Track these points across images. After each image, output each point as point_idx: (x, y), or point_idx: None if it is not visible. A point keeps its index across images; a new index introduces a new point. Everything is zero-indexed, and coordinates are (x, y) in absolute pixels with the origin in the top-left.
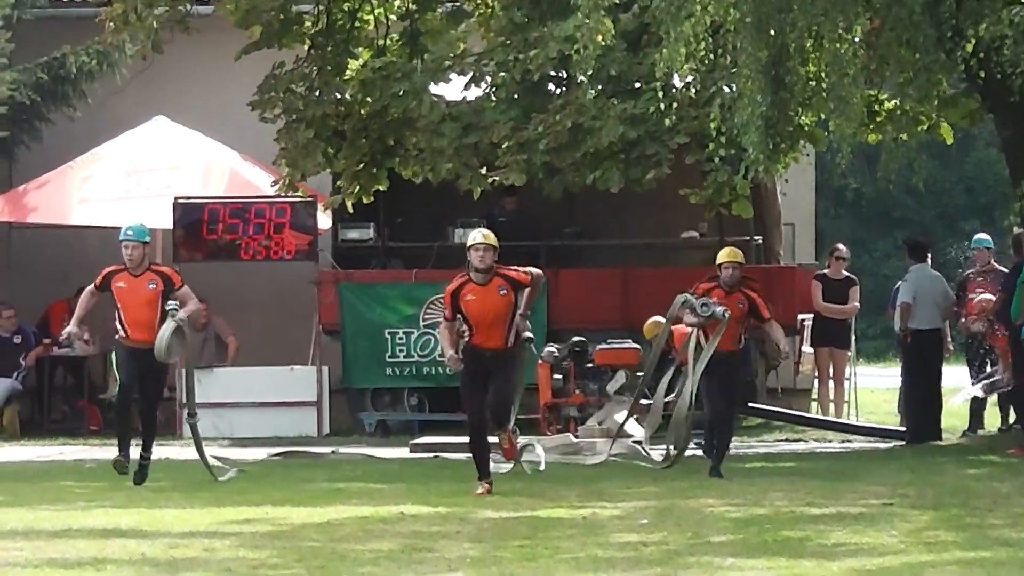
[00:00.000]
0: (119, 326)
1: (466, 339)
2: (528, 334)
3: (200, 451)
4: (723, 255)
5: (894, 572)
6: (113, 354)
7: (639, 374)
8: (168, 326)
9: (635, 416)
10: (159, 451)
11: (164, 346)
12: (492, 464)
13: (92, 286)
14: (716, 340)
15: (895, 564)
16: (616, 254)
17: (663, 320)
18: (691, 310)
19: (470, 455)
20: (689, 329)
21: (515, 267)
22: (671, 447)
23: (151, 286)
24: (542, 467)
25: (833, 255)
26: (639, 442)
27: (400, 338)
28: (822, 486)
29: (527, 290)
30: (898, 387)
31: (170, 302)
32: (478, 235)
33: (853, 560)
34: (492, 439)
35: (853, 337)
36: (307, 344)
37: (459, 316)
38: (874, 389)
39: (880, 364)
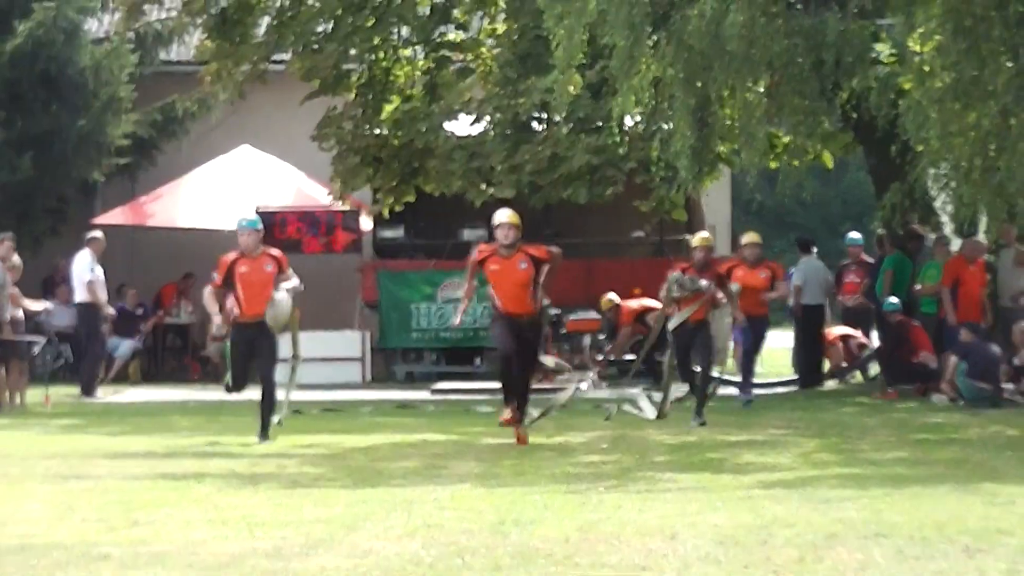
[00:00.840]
0: (236, 306)
1: (496, 305)
2: (546, 302)
3: (288, 388)
4: (696, 240)
5: (789, 483)
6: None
7: (600, 336)
8: (284, 297)
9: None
10: (245, 392)
11: (284, 312)
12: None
13: (214, 285)
14: (694, 308)
15: (790, 478)
16: (582, 249)
17: (615, 296)
18: (680, 285)
19: (500, 384)
20: (635, 305)
21: (538, 245)
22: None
23: (268, 267)
24: (650, 416)
25: (748, 243)
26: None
27: (422, 310)
28: (736, 421)
29: (546, 266)
30: (791, 348)
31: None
32: (503, 215)
33: (759, 475)
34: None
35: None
36: (353, 315)
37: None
38: (774, 348)
39: (778, 330)
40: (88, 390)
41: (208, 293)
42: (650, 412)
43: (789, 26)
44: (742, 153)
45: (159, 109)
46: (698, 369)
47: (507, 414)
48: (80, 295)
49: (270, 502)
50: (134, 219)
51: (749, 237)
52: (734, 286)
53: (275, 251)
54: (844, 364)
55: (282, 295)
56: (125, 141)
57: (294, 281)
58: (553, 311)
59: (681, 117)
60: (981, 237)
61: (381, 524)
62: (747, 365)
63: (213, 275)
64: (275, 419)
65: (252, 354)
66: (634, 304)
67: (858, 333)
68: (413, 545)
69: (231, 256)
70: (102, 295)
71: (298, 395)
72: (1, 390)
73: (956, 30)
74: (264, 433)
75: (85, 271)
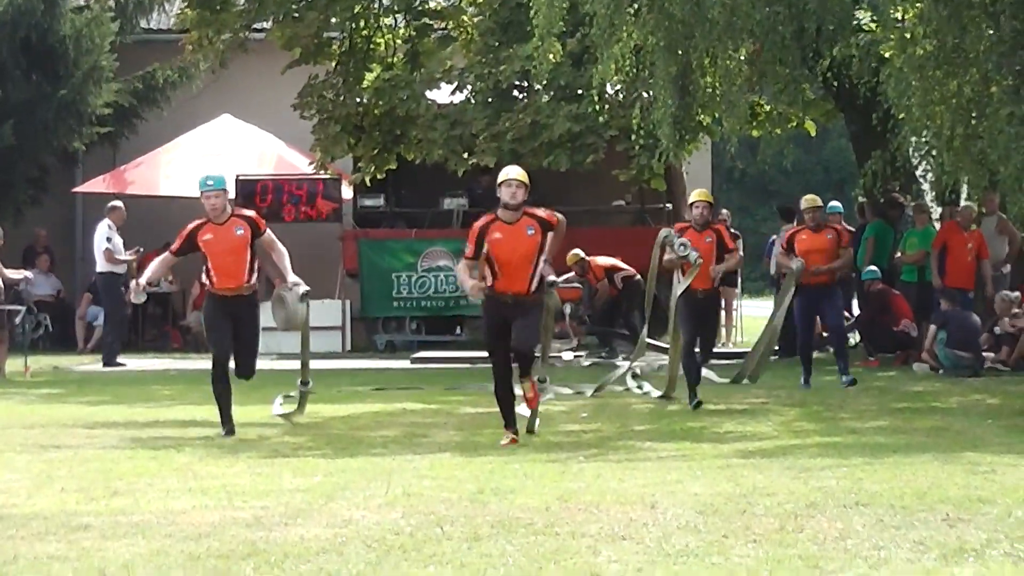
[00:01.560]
0: (206, 278)
1: (487, 285)
2: (552, 278)
3: (301, 407)
4: (694, 195)
5: (769, 452)
6: (202, 316)
7: (581, 307)
8: (295, 299)
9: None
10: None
11: (298, 316)
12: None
13: (169, 253)
14: (690, 278)
15: (770, 447)
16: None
17: (579, 251)
18: (670, 247)
19: (496, 403)
20: (603, 261)
21: (544, 208)
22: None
23: (239, 232)
24: (654, 394)
25: (720, 218)
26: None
27: (403, 279)
28: (715, 389)
29: (552, 233)
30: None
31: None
32: (511, 171)
33: (739, 444)
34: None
35: (739, 278)
36: (334, 284)
37: (483, 256)
38: (756, 317)
39: (759, 298)
40: (109, 360)
41: (160, 260)
42: (653, 390)
43: None
44: (723, 121)
45: (140, 78)
46: (701, 347)
47: (505, 439)
48: (99, 265)
49: (250, 472)
50: (115, 188)
51: (696, 194)
52: (796, 262)
53: (248, 212)
54: (821, 332)
55: (293, 297)
56: (106, 110)
57: (286, 259)
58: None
59: (662, 85)
60: (969, 204)
61: (361, 493)
62: (840, 344)
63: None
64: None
65: (234, 333)
66: (602, 260)
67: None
68: (393, 515)
69: (194, 224)
70: (120, 264)
71: (280, 364)
72: None
73: None
74: (229, 426)
75: (102, 240)
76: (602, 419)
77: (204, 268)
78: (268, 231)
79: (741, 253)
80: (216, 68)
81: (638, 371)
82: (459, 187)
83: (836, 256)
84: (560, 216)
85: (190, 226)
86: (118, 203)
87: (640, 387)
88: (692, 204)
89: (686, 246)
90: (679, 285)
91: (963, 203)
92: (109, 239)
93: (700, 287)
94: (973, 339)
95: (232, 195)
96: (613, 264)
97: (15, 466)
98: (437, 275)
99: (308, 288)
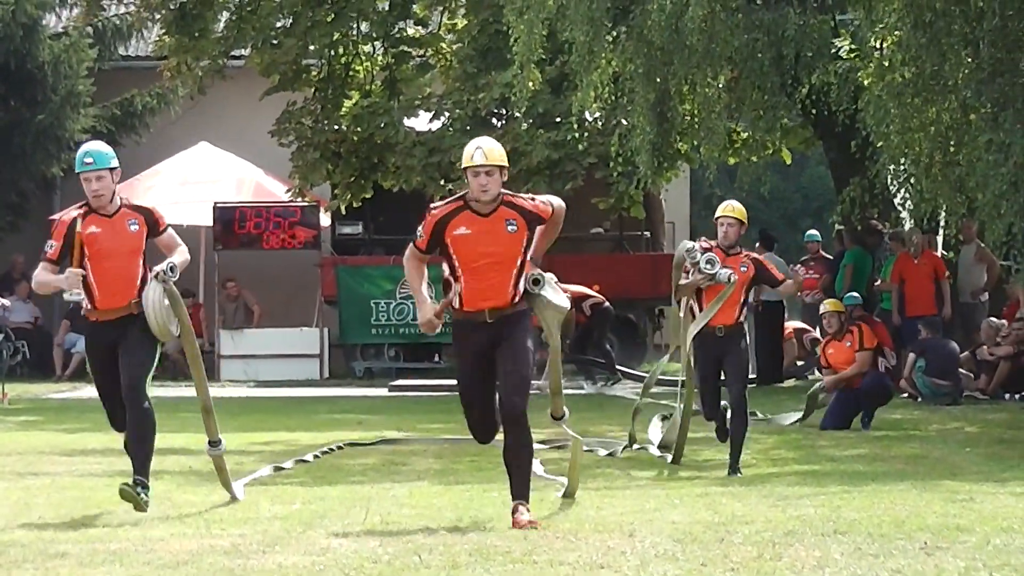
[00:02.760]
0: (86, 293)
1: (454, 302)
2: (536, 272)
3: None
4: (721, 208)
5: (747, 480)
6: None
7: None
8: (154, 289)
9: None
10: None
11: (160, 316)
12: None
13: (47, 259)
14: (716, 307)
15: (748, 475)
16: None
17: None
18: (694, 264)
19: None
20: (574, 288)
21: (531, 195)
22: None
23: (132, 226)
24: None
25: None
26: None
27: (382, 307)
28: (695, 419)
29: (543, 227)
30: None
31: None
32: (479, 148)
33: (717, 472)
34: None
35: None
36: (312, 311)
37: (447, 258)
38: None
39: None
40: None
41: (40, 276)
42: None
43: (749, 20)
44: (701, 148)
45: (118, 104)
46: (730, 401)
47: (519, 517)
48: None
49: (228, 499)
50: None
51: (723, 208)
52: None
53: (145, 205)
54: (798, 360)
55: (153, 293)
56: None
57: (180, 255)
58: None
59: (641, 112)
60: (913, 228)
61: (339, 521)
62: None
63: (47, 246)
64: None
65: (115, 367)
66: (571, 288)
67: (812, 328)
68: (371, 543)
69: (70, 214)
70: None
71: (257, 392)
72: None
73: (916, 24)
74: (142, 481)
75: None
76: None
77: (85, 282)
78: (170, 229)
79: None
80: (194, 94)
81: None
82: None
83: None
84: (556, 202)
85: (66, 216)
86: None
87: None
88: (717, 220)
89: (713, 262)
90: (698, 319)
91: (907, 227)
92: None
93: (721, 323)
94: (952, 367)
95: (211, 222)
96: (582, 292)
97: None
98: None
99: (183, 258)
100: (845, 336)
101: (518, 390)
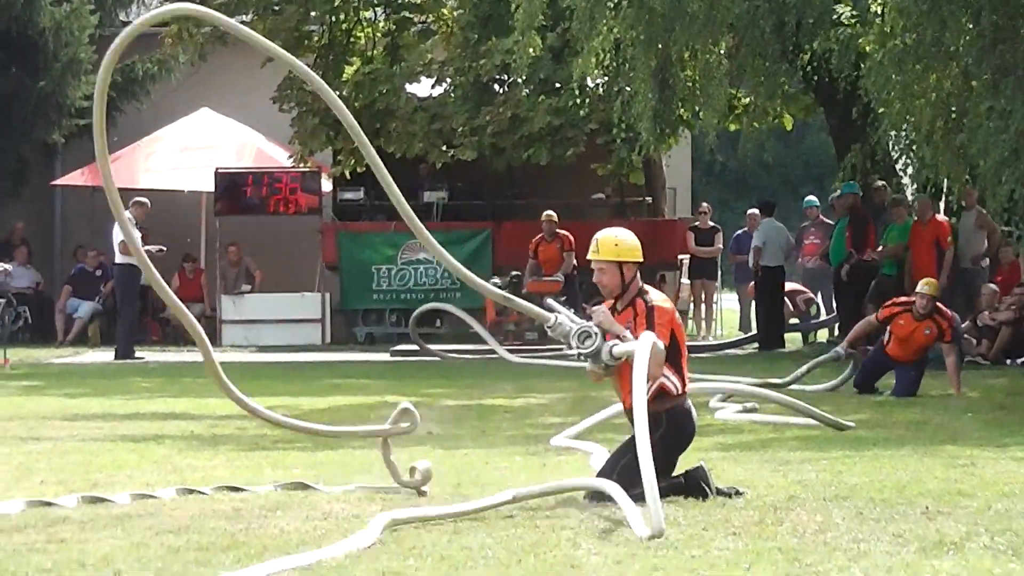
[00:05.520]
0: None
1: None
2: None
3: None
4: (922, 284)
5: (749, 446)
6: None
7: (562, 298)
8: None
9: None
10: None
11: None
12: None
13: None
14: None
15: (750, 440)
16: (543, 211)
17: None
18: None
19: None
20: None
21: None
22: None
23: None
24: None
25: (700, 211)
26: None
27: (383, 272)
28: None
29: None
30: (738, 310)
31: None
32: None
33: (719, 437)
34: None
35: (719, 272)
36: (313, 277)
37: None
38: (734, 310)
39: (726, 292)
40: (125, 353)
41: None
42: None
43: None
44: (701, 114)
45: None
46: None
47: None
48: (117, 257)
49: (230, 464)
50: (94, 180)
51: (923, 284)
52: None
53: None
54: (793, 320)
55: None
56: (85, 102)
57: None
58: (514, 273)
59: (642, 79)
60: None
61: (340, 486)
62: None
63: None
64: None
65: None
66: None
67: (805, 289)
68: (372, 507)
69: None
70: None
71: (259, 357)
72: None
73: None
74: None
75: (119, 233)
76: (581, 412)
77: None
78: None
79: (720, 246)
80: (195, 61)
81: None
82: (439, 180)
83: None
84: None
85: None
86: (143, 199)
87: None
88: (918, 293)
89: (587, 336)
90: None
91: (908, 194)
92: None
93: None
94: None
95: (211, 188)
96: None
97: None
98: (417, 268)
99: None
100: (926, 321)
101: None
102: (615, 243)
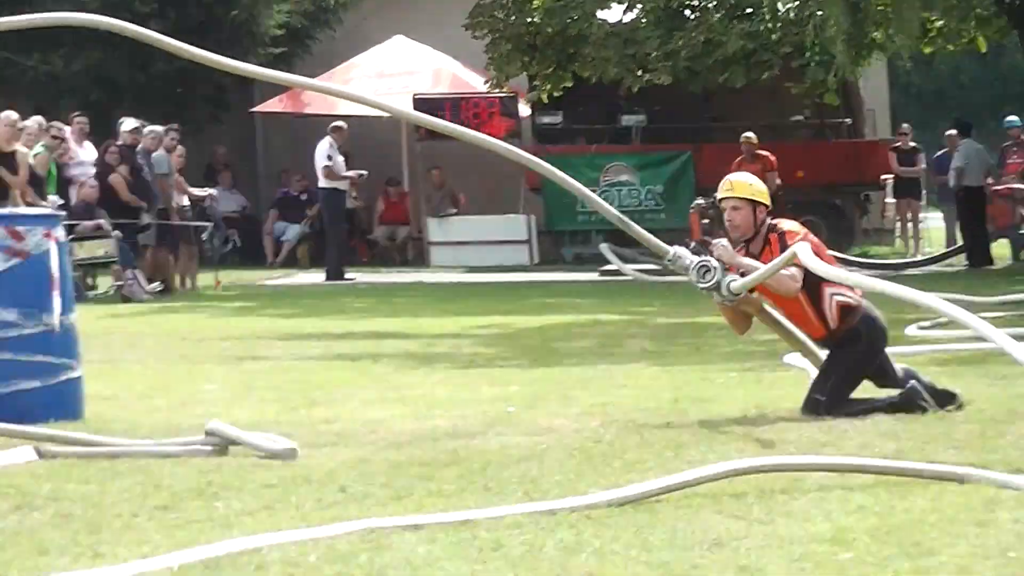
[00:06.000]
0: None
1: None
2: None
3: None
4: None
5: (966, 360)
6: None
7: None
8: None
9: None
10: (415, 274)
11: None
12: None
13: None
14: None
15: (965, 355)
16: (742, 132)
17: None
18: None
19: None
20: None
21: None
22: None
23: None
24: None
25: (901, 132)
26: None
27: None
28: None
29: None
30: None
31: None
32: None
33: (935, 353)
34: None
35: (923, 191)
36: (516, 200)
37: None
38: (940, 227)
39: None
40: (335, 274)
41: None
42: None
43: None
44: (895, 38)
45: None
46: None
47: None
48: (320, 181)
49: (446, 382)
50: (292, 108)
51: None
52: None
53: None
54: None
55: None
56: (279, 31)
57: None
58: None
59: (833, 2)
60: None
61: (559, 402)
62: None
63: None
64: None
65: None
66: None
67: None
68: (592, 423)
69: None
70: (341, 180)
71: (468, 277)
72: (173, 274)
73: None
74: None
75: (322, 158)
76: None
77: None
78: None
79: (924, 166)
80: None
81: None
82: (635, 103)
83: None
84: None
85: None
86: (341, 124)
87: None
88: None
89: (707, 271)
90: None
91: None
92: (330, 157)
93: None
94: None
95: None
96: None
97: (214, 377)
98: (620, 190)
99: None
100: None
101: None
102: (749, 183)
